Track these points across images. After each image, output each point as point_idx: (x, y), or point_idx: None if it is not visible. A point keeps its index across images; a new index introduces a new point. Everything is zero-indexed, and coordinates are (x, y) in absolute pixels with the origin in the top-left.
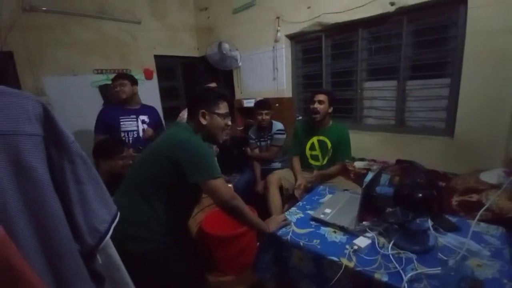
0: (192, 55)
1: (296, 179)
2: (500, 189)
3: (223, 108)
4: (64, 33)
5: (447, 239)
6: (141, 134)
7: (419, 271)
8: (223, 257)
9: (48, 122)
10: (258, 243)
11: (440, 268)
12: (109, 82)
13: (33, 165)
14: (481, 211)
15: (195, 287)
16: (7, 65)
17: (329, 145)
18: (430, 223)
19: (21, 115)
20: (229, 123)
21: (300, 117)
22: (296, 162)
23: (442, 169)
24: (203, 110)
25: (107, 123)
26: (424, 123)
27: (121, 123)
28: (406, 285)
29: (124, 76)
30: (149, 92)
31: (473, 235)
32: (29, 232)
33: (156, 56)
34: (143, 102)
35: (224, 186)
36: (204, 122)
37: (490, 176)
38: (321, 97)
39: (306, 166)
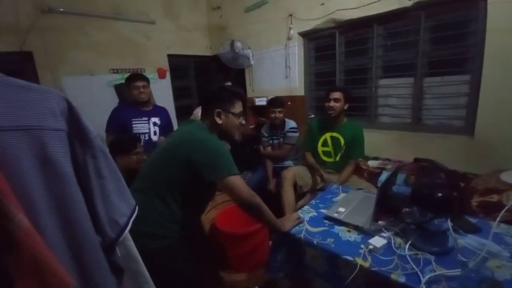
0: (205, 54)
1: (315, 169)
2: None
3: (238, 107)
4: (81, 34)
5: (467, 241)
6: (152, 137)
7: (437, 272)
8: (236, 254)
9: (72, 117)
10: (270, 242)
11: (460, 269)
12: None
13: (59, 159)
14: (502, 212)
15: (205, 284)
16: (27, 65)
17: (342, 142)
18: (449, 224)
19: (47, 110)
20: (243, 122)
21: (313, 115)
22: (310, 157)
23: (462, 169)
24: (219, 110)
25: (119, 124)
26: (442, 121)
27: (133, 125)
28: (424, 287)
29: (143, 77)
30: (163, 91)
31: (494, 236)
32: (55, 226)
33: (169, 56)
34: (157, 101)
35: (242, 183)
36: (219, 121)
37: (511, 176)
38: (337, 94)
39: (318, 163)
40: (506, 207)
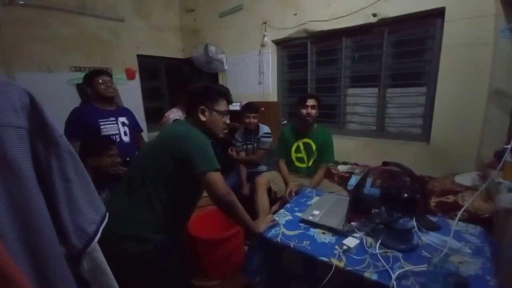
0: (177, 56)
1: (285, 182)
2: (477, 191)
3: (222, 105)
4: (41, 27)
5: (430, 238)
6: (123, 137)
7: (406, 268)
8: (210, 261)
9: (35, 113)
10: (246, 247)
11: (426, 265)
12: None
13: (18, 160)
14: (461, 210)
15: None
16: None
17: (314, 147)
18: (414, 222)
19: (6, 105)
20: (228, 121)
21: (285, 121)
22: (283, 166)
23: (419, 172)
24: (203, 107)
25: (85, 126)
26: (402, 129)
27: (102, 127)
28: (395, 283)
29: (107, 73)
30: (131, 92)
31: (454, 234)
32: (14, 232)
33: (139, 56)
34: (125, 102)
35: (221, 180)
36: (203, 118)
37: (465, 179)
38: (313, 101)
39: (292, 169)
40: (464, 207)
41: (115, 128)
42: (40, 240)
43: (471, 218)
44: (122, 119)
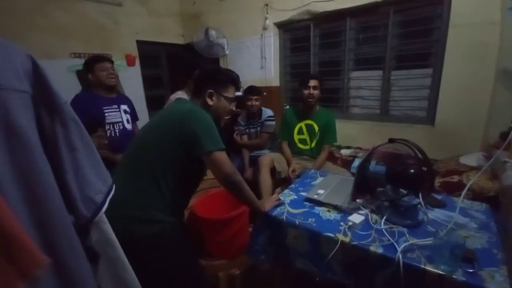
0: (177, 42)
1: (288, 163)
2: (481, 170)
3: (231, 92)
4: (41, 16)
5: (435, 214)
6: (126, 125)
7: (411, 242)
8: (216, 241)
9: (38, 79)
10: (251, 228)
11: (431, 238)
12: None
13: (22, 125)
14: (467, 187)
15: (202, 269)
16: None
17: (317, 128)
18: (420, 198)
19: (8, 68)
20: (234, 108)
21: (288, 106)
22: (286, 147)
23: None
24: (211, 90)
25: (89, 114)
26: (407, 112)
27: (106, 114)
28: (400, 256)
29: (108, 59)
30: (132, 80)
31: (459, 210)
32: (20, 201)
33: (138, 42)
34: (126, 90)
35: (227, 160)
36: (210, 102)
37: (470, 159)
38: (315, 82)
39: (295, 151)
40: (470, 182)
41: (118, 116)
42: (48, 209)
43: (476, 197)
44: (124, 106)
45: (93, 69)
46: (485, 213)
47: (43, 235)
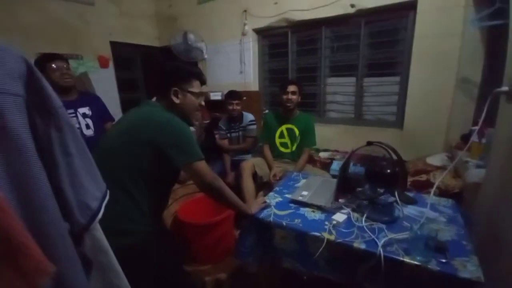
0: (153, 44)
1: (269, 167)
2: (447, 170)
3: (196, 86)
4: (6, 14)
5: (409, 210)
6: (85, 131)
7: (390, 236)
8: (201, 246)
9: (33, 82)
10: (237, 231)
11: (407, 232)
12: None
13: (18, 130)
14: (436, 185)
15: (184, 275)
16: None
17: (297, 132)
18: (396, 196)
19: (4, 71)
20: (202, 103)
21: (267, 111)
22: (267, 151)
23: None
24: (176, 88)
25: None
26: (378, 116)
27: None
28: (381, 250)
29: (62, 57)
30: (105, 82)
31: (430, 206)
32: (14, 207)
33: (112, 43)
34: (99, 93)
35: (207, 167)
36: (177, 100)
37: (435, 159)
38: (293, 87)
39: (276, 154)
40: (436, 183)
41: (74, 122)
42: (43, 215)
43: (443, 193)
44: (82, 110)
45: (44, 69)
46: (452, 208)
47: (39, 243)
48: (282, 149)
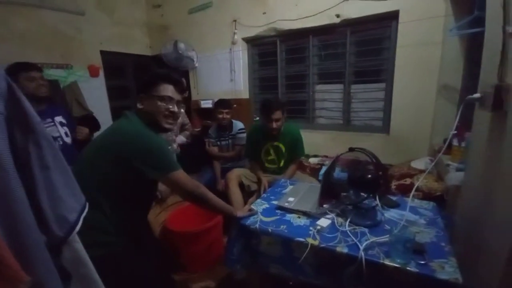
0: (144, 53)
1: (258, 179)
2: (425, 173)
3: (163, 90)
4: None
5: (391, 214)
6: (66, 139)
7: (371, 240)
8: (190, 254)
9: (12, 99)
10: (226, 239)
11: (388, 236)
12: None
13: None
14: (414, 187)
15: (161, 286)
16: None
17: (284, 149)
18: (377, 201)
19: None
20: (173, 108)
21: (258, 118)
22: (255, 165)
23: (381, 161)
24: (142, 94)
25: None
26: (366, 122)
27: None
28: (362, 253)
29: (36, 67)
30: (95, 91)
31: (410, 209)
32: None
33: (103, 52)
34: (89, 101)
35: (186, 176)
36: (140, 106)
37: (419, 163)
38: (278, 114)
39: (264, 170)
40: (416, 185)
41: (55, 131)
42: (21, 229)
43: (426, 196)
44: (58, 118)
45: (17, 79)
46: (432, 210)
47: (17, 257)
48: (268, 165)
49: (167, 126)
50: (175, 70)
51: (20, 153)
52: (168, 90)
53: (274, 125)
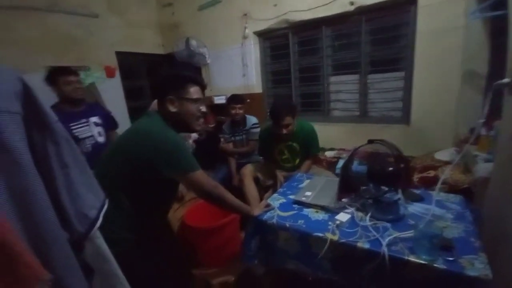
0: (157, 52)
1: (274, 176)
2: (451, 164)
3: (193, 92)
4: (7, 30)
5: (414, 208)
6: (98, 138)
7: (394, 235)
8: (208, 250)
9: (29, 100)
10: (243, 234)
11: (412, 231)
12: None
13: (16, 146)
14: (440, 180)
15: (175, 283)
16: None
17: (298, 148)
18: (400, 194)
19: (2, 90)
20: (204, 109)
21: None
22: (269, 163)
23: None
24: (171, 97)
25: None
26: (384, 113)
27: (73, 130)
28: (385, 249)
29: (74, 72)
30: (112, 92)
31: (436, 203)
32: (15, 221)
33: (118, 53)
34: (107, 102)
35: (204, 177)
36: (173, 109)
37: (444, 155)
38: (288, 120)
39: (279, 168)
40: (442, 178)
41: (88, 130)
42: (43, 227)
43: (452, 189)
44: (93, 119)
45: (56, 82)
46: (460, 204)
47: (40, 254)
48: (284, 164)
49: (198, 127)
50: (193, 66)
51: (39, 152)
52: (198, 92)
53: (285, 131)
